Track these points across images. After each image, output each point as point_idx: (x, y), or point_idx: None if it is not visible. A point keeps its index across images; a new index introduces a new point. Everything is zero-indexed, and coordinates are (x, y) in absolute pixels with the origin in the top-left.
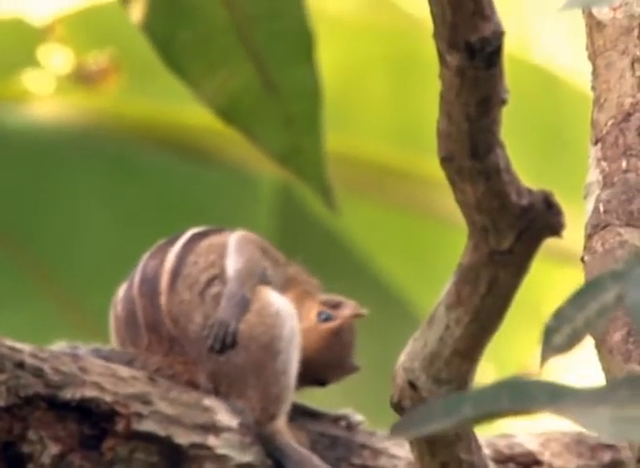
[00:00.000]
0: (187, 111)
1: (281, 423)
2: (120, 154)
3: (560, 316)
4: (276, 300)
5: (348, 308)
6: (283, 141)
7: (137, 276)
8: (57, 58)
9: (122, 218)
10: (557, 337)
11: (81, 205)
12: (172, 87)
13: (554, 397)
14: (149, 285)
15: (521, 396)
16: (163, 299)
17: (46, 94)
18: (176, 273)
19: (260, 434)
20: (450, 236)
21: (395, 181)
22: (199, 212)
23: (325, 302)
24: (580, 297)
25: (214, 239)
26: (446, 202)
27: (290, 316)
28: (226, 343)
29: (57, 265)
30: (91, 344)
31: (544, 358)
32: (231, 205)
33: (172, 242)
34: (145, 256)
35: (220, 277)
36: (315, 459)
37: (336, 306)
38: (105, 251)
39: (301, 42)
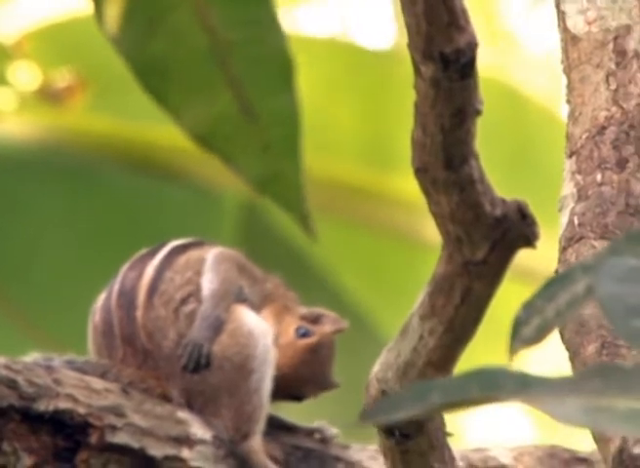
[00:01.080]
0: (152, 129)
1: (255, 441)
2: (83, 172)
3: (529, 307)
4: (250, 320)
5: (328, 323)
6: (261, 168)
7: (115, 286)
8: (23, 75)
9: (83, 237)
10: (526, 329)
11: (42, 223)
12: (138, 104)
13: (524, 386)
14: (127, 297)
15: (490, 385)
16: (139, 313)
17: (9, 111)
18: (153, 288)
19: (234, 452)
20: (416, 255)
21: (363, 201)
22: (163, 230)
23: (304, 317)
24: (549, 289)
25: (192, 254)
26: (415, 222)
27: (263, 335)
28: (200, 364)
29: (15, 285)
30: (65, 355)
31: (513, 350)
32: (196, 222)
33: (152, 254)
34: (125, 267)
35: (195, 294)
36: None
37: (315, 320)
38: (65, 270)
39: (281, 68)
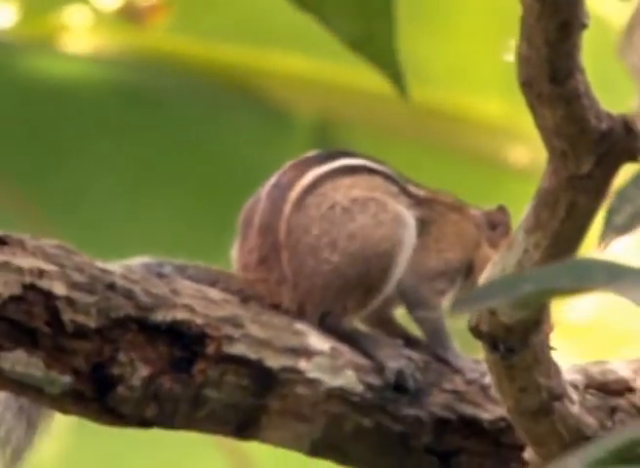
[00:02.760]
0: (231, 50)
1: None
2: (155, 98)
3: (622, 196)
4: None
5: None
6: (356, 28)
7: (272, 179)
8: None
9: (140, 170)
10: (618, 217)
11: (104, 152)
12: (218, 25)
13: (614, 276)
14: (280, 191)
15: (581, 275)
16: (287, 208)
17: (85, 29)
18: (309, 189)
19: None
20: (499, 179)
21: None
22: (226, 159)
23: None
24: None
25: (359, 181)
26: (499, 145)
27: (409, 224)
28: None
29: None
30: (176, 261)
31: (606, 238)
32: (268, 145)
33: (319, 161)
34: (288, 164)
35: (355, 209)
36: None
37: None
38: (120, 199)
39: None
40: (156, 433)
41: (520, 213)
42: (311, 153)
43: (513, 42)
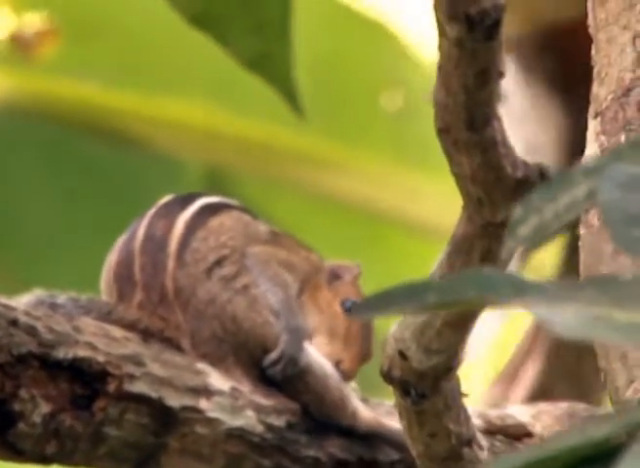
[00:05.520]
0: (117, 95)
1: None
2: (53, 138)
3: (528, 206)
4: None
5: (347, 273)
6: (253, 47)
7: (140, 231)
8: None
9: (64, 199)
10: (523, 228)
11: (24, 185)
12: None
13: (521, 290)
14: (155, 245)
15: (487, 287)
16: (170, 265)
17: None
18: (185, 243)
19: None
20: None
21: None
22: (131, 196)
23: (329, 282)
24: (549, 190)
25: (225, 219)
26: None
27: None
28: (293, 375)
29: (4, 248)
30: (69, 293)
31: (509, 249)
32: (159, 191)
33: (181, 206)
34: (150, 213)
35: (230, 258)
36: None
37: (336, 277)
38: (49, 230)
39: None
40: None
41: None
42: (165, 199)
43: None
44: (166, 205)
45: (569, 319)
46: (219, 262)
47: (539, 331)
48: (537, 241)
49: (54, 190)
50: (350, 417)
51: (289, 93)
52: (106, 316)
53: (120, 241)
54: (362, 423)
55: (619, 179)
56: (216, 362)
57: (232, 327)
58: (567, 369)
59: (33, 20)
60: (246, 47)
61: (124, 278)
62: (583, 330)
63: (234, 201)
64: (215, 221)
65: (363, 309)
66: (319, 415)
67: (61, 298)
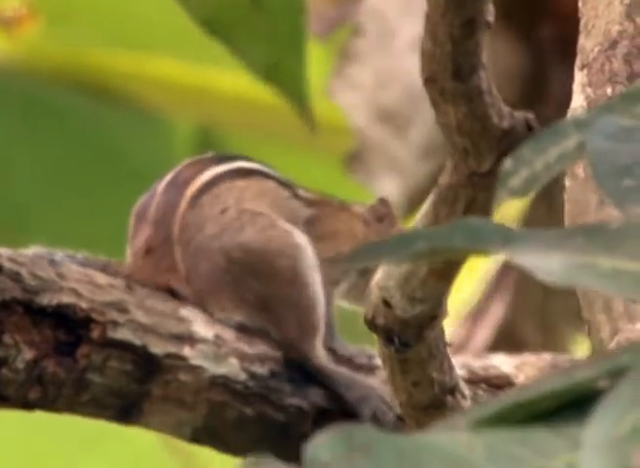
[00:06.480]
0: (105, 55)
1: (318, 349)
2: (37, 97)
3: (518, 158)
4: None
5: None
6: (265, 56)
7: (168, 176)
8: None
9: (48, 163)
10: (514, 180)
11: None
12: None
13: (508, 240)
14: (176, 187)
15: (475, 236)
16: (183, 204)
17: None
18: (204, 189)
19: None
20: None
21: None
22: (119, 156)
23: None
24: (540, 142)
25: (253, 184)
26: None
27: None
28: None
29: None
30: (67, 251)
31: (499, 199)
32: (150, 148)
33: (217, 162)
34: (184, 163)
35: (244, 216)
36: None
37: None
38: (34, 194)
39: None
40: (109, 439)
41: None
42: (209, 154)
43: None
44: (203, 158)
45: (554, 266)
46: (238, 209)
47: (505, 273)
48: (526, 191)
49: (38, 150)
50: (310, 350)
51: (300, 104)
52: (102, 271)
53: (156, 183)
54: (316, 361)
55: (608, 131)
56: (210, 297)
57: (239, 253)
58: (533, 309)
59: (12, 3)
60: (258, 56)
61: (140, 215)
62: (568, 276)
63: (276, 173)
64: (242, 183)
65: (360, 257)
66: (283, 335)
67: (59, 255)
